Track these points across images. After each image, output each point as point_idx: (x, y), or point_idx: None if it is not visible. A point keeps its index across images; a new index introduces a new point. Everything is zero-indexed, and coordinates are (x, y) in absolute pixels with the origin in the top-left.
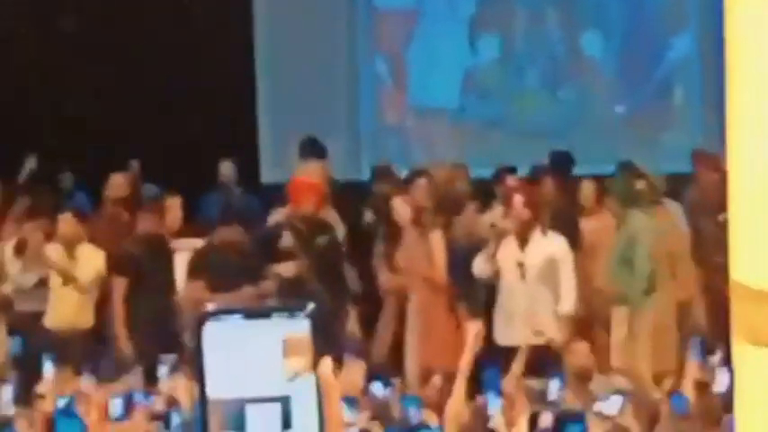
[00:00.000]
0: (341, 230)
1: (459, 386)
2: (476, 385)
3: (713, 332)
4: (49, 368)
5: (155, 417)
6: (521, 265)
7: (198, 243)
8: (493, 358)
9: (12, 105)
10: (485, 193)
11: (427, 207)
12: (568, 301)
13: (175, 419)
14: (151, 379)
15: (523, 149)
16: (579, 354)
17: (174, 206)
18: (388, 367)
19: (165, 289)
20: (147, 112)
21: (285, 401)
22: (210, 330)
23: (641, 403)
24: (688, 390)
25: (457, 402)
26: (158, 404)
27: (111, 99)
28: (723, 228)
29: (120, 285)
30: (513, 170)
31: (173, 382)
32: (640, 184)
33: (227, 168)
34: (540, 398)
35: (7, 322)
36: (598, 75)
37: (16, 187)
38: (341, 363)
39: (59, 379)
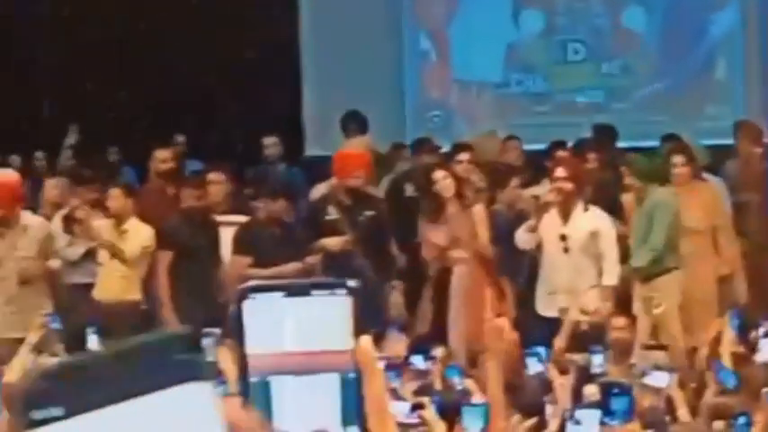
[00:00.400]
0: (383, 203)
1: (493, 374)
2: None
3: (757, 305)
4: (93, 341)
5: None
6: (563, 238)
7: (242, 218)
8: (536, 329)
9: (60, 83)
10: (531, 166)
11: (471, 180)
12: (611, 275)
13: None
14: None
15: (566, 123)
16: (620, 328)
17: (218, 181)
18: (432, 340)
19: (209, 263)
20: (191, 88)
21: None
22: (250, 306)
23: (686, 375)
24: (726, 361)
25: (494, 387)
26: None
27: (155, 74)
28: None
29: (164, 258)
30: (562, 144)
31: (217, 356)
32: (660, 160)
33: (271, 143)
34: (583, 371)
35: (54, 295)
36: (641, 49)
37: (62, 160)
38: (383, 337)
39: None
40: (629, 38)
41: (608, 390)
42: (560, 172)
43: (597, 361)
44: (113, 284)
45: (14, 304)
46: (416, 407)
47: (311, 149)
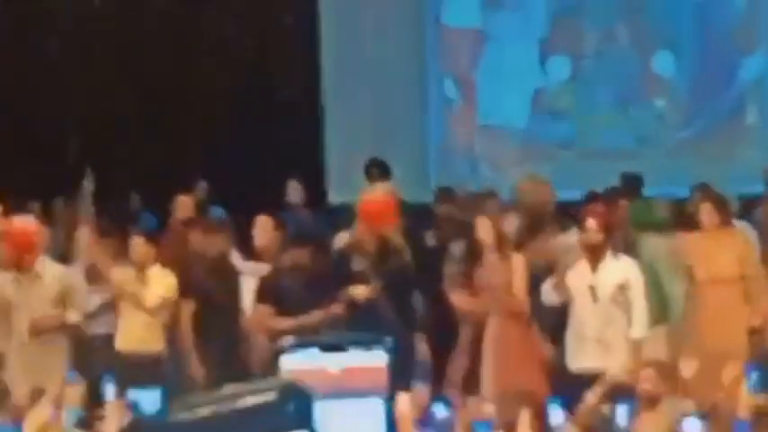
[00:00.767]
0: (407, 251)
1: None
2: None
3: None
4: (110, 391)
5: None
6: (592, 288)
7: (263, 267)
8: (564, 384)
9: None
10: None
11: (509, 228)
12: (640, 326)
13: None
14: None
15: (594, 170)
16: (647, 379)
17: (264, 224)
18: (464, 391)
19: (232, 312)
20: (213, 133)
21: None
22: (287, 363)
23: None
24: (744, 414)
25: None
26: None
27: (178, 120)
28: None
29: (187, 308)
30: (596, 196)
31: None
32: (660, 209)
33: (294, 188)
34: (607, 424)
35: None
36: (670, 95)
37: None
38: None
39: (121, 402)
40: (658, 83)
41: None
42: (590, 222)
43: (623, 412)
44: (135, 334)
45: (27, 355)
46: None
47: (333, 196)
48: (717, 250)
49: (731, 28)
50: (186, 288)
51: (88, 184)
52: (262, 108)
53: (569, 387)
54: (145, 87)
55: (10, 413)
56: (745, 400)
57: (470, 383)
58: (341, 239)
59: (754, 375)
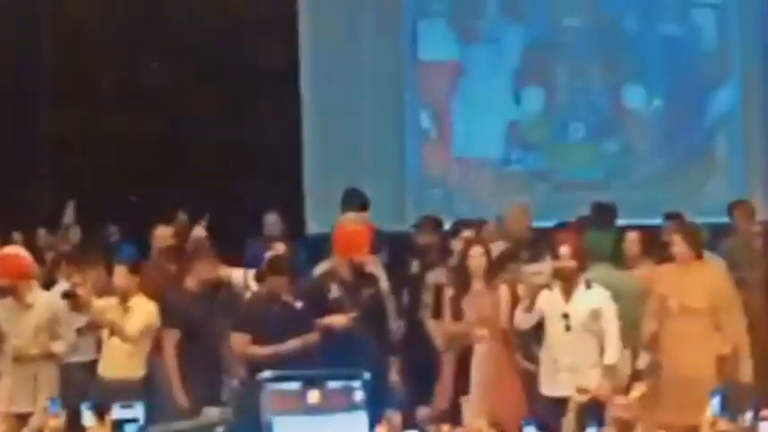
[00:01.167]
0: (384, 280)
1: None
2: None
3: (762, 386)
4: (88, 417)
5: None
6: (565, 316)
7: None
8: (538, 409)
9: (60, 158)
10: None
11: (494, 257)
12: (613, 353)
13: None
14: None
15: (566, 201)
16: (620, 407)
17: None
18: (449, 418)
19: (215, 341)
20: (192, 165)
21: None
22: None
23: None
24: None
25: None
26: None
27: (158, 149)
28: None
29: (171, 337)
30: (566, 225)
31: None
32: (613, 238)
33: (272, 220)
34: None
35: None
36: (640, 127)
37: (62, 240)
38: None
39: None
40: (629, 116)
41: None
42: (563, 250)
43: None
44: (117, 361)
45: (13, 382)
46: None
47: (312, 227)
48: (688, 282)
49: (701, 61)
50: (169, 317)
51: (68, 216)
52: (241, 138)
53: (544, 409)
54: (124, 119)
55: None
56: (711, 426)
57: (455, 413)
58: (320, 269)
59: (718, 400)
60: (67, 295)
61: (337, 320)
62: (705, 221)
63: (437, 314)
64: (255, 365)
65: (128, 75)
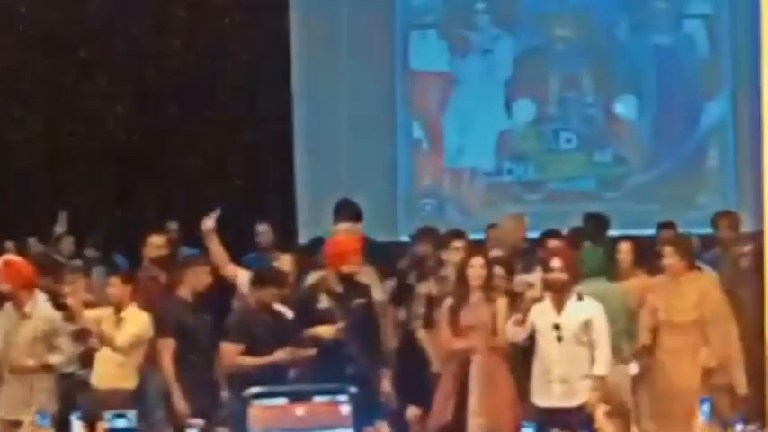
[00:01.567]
0: (379, 290)
1: None
2: None
3: (754, 396)
4: (78, 427)
5: None
6: (557, 327)
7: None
8: (531, 419)
9: (51, 168)
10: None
11: (493, 269)
12: (604, 364)
13: None
14: None
15: (558, 212)
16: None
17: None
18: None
19: (208, 351)
20: (184, 175)
21: None
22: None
23: None
24: None
25: None
26: None
27: (149, 161)
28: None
29: (167, 346)
30: (556, 233)
31: None
32: (604, 251)
33: (264, 230)
34: None
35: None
36: (632, 138)
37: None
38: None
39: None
40: (620, 127)
41: None
42: (555, 262)
43: None
44: (109, 372)
45: (5, 387)
46: None
47: (305, 237)
48: (677, 294)
49: (694, 73)
50: (163, 326)
51: (60, 226)
52: (233, 148)
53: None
54: (117, 130)
55: None
56: None
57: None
58: (310, 279)
59: (706, 408)
60: (58, 306)
61: (324, 331)
62: (697, 233)
63: (429, 324)
64: (244, 376)
65: (120, 84)
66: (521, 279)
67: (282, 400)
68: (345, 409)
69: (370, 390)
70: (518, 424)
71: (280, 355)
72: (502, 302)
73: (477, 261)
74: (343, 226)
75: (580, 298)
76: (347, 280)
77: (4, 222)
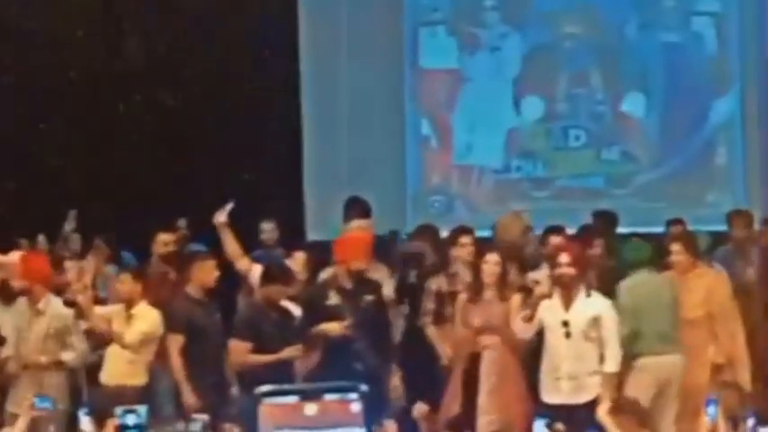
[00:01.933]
0: (389, 287)
1: None
2: None
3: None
4: (86, 423)
5: None
6: (565, 323)
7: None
8: (540, 415)
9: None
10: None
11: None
12: (613, 361)
13: None
14: None
15: (566, 209)
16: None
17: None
18: (462, 424)
19: (217, 348)
20: (192, 172)
21: None
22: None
23: None
24: None
25: None
26: None
27: (157, 158)
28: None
29: (176, 342)
30: (559, 229)
31: None
32: (647, 248)
33: (269, 228)
34: None
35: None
36: (641, 135)
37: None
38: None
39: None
40: (629, 124)
41: None
42: (564, 258)
43: None
44: (118, 369)
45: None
46: None
47: (312, 234)
48: (685, 291)
49: (702, 70)
50: (172, 324)
51: (69, 224)
52: (242, 146)
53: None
54: (124, 129)
55: None
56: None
57: (464, 423)
58: (321, 276)
59: (712, 410)
60: (68, 303)
61: (331, 328)
62: (706, 230)
63: (438, 321)
64: (253, 374)
65: (129, 79)
66: (526, 276)
67: (293, 399)
68: (356, 407)
69: (379, 387)
70: (529, 420)
71: (288, 352)
72: (515, 300)
73: (492, 258)
74: (354, 223)
75: (588, 294)
76: (357, 277)
77: (16, 219)
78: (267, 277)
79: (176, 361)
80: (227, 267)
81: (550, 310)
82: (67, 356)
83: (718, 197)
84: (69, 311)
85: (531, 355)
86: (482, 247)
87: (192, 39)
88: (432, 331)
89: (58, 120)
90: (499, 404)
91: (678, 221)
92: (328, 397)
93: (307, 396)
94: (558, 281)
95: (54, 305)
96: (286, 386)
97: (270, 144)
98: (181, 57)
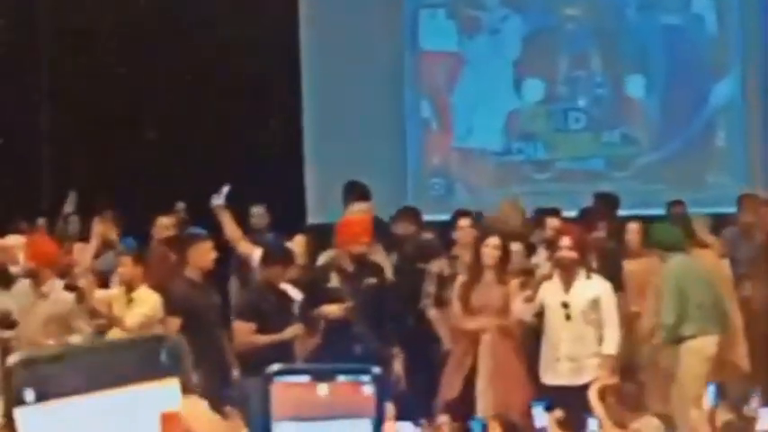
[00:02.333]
0: (388, 270)
1: None
2: None
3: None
4: None
5: None
6: (565, 305)
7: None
8: (540, 397)
9: (60, 151)
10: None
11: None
12: (612, 343)
13: None
14: None
15: (567, 191)
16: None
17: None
18: (459, 406)
19: (218, 329)
20: (193, 156)
21: None
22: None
23: None
24: None
25: None
26: None
27: (158, 142)
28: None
29: (173, 324)
30: (555, 212)
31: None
32: (679, 229)
33: (258, 213)
34: None
35: None
36: (641, 118)
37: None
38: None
39: None
40: (629, 106)
41: None
42: (565, 241)
43: (592, 426)
44: None
45: None
46: None
47: (313, 217)
48: None
49: (702, 53)
50: (172, 307)
51: (69, 206)
52: (242, 130)
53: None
54: (125, 113)
55: None
56: (709, 416)
57: (461, 405)
58: (322, 259)
59: (713, 392)
60: (69, 287)
61: (331, 310)
62: (706, 212)
63: (439, 303)
64: (255, 354)
65: (132, 70)
66: (530, 260)
67: (305, 378)
68: (369, 390)
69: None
70: (527, 403)
71: (290, 331)
72: (514, 283)
73: (492, 241)
74: (354, 207)
75: (588, 277)
76: (359, 260)
77: (19, 202)
78: (268, 259)
79: None
80: (226, 250)
81: (550, 292)
82: (75, 340)
83: (719, 179)
84: (71, 295)
85: (531, 338)
86: (484, 229)
87: (195, 24)
88: (433, 314)
89: (57, 105)
90: (498, 387)
91: (678, 203)
92: (341, 378)
93: (319, 376)
94: (558, 263)
95: (58, 289)
96: (298, 365)
97: (270, 127)
98: (183, 39)
